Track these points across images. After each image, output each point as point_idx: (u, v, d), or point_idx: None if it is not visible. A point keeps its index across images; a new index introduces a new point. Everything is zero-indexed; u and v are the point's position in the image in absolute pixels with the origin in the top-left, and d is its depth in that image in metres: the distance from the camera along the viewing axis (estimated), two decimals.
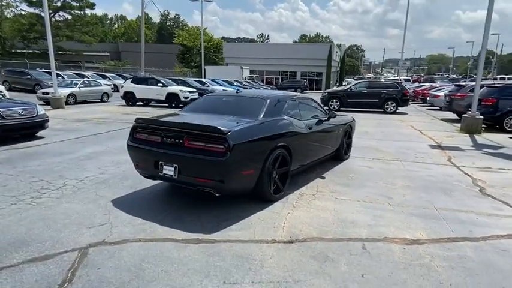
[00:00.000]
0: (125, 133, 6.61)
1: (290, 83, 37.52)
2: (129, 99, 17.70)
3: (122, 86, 18.57)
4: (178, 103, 16.61)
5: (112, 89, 21.23)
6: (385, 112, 16.53)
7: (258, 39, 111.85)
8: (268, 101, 4.73)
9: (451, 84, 20.00)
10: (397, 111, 16.57)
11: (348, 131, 6.75)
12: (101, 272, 2.71)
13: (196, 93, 17.91)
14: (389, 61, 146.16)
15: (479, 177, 5.63)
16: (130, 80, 18.86)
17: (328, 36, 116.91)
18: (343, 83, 45.99)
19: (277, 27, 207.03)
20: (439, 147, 8.32)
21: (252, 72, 40.40)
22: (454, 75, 55.04)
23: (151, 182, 4.87)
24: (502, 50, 60.62)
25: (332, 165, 6.22)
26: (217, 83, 24.24)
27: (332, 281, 2.67)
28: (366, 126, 11.49)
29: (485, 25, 10.27)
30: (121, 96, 17.89)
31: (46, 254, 2.96)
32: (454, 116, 14.38)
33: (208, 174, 3.74)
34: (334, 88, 20.82)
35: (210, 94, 5.71)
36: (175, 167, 3.86)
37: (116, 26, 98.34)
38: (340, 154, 6.51)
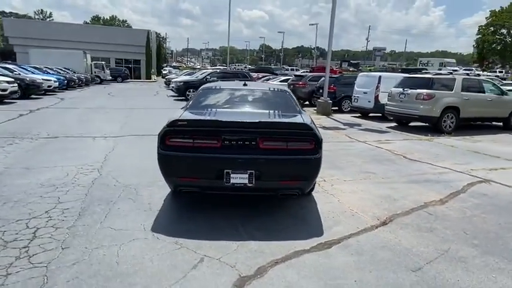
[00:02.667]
0: None
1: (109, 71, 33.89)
2: None
3: None
4: None
5: None
6: None
7: (37, 16, 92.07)
8: (288, 92, 4.79)
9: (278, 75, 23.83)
10: None
11: None
12: None
13: (16, 85, 13.78)
14: (188, 51, 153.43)
15: (388, 148, 7.57)
16: None
17: (126, 21, 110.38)
18: (164, 71, 45.37)
19: (54, 3, 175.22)
20: (325, 127, 10.22)
21: None
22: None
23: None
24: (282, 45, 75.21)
25: None
26: (29, 70, 19.03)
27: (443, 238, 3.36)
28: None
29: (330, 26, 13.06)
30: None
31: None
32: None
33: (296, 175, 3.55)
34: (185, 77, 20.52)
35: (208, 87, 4.87)
36: (250, 173, 3.42)
37: None
38: None
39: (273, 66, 47.28)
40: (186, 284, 2.55)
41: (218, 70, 19.80)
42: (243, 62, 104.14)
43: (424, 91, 9.70)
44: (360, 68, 60.47)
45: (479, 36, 36.58)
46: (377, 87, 12.09)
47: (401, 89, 10.35)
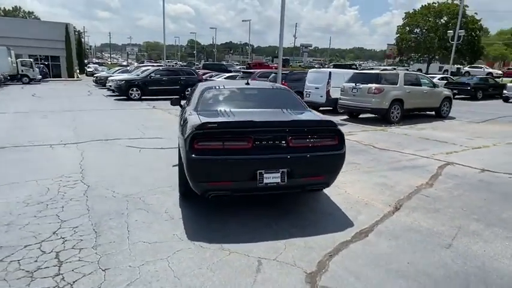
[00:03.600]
0: None
1: None
2: None
3: None
4: None
5: None
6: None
7: None
8: (289, 90, 4.91)
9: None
10: None
11: None
12: None
13: None
14: (106, 45, 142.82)
15: (356, 139, 8.17)
16: None
17: (33, 12, 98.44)
18: (89, 69, 41.74)
19: None
20: None
21: None
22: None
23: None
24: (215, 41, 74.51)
25: None
26: None
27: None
28: None
29: (280, 25, 13.42)
30: None
31: None
32: None
33: (324, 170, 3.71)
34: (126, 75, 19.08)
35: (210, 87, 4.65)
36: (282, 172, 3.48)
37: None
38: None
39: (225, 63, 46.49)
40: None
41: (161, 68, 18.91)
42: (171, 58, 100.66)
43: (375, 85, 10.63)
44: (290, 64, 63.11)
45: (398, 35, 41.35)
46: (328, 82, 12.82)
47: (353, 84, 11.18)
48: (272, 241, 3.23)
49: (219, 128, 3.42)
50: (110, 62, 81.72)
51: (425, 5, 38.69)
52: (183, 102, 5.76)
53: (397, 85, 10.90)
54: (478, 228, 3.58)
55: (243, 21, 51.52)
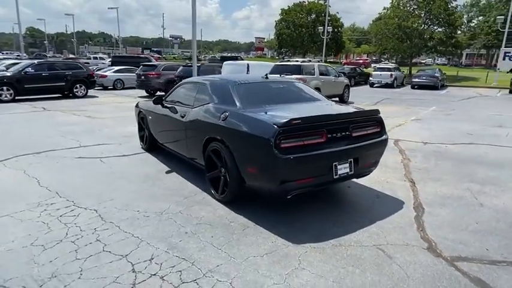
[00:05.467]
0: None
1: None
2: None
3: None
4: None
5: None
6: (74, 96, 15.11)
7: None
8: (303, 83, 5.07)
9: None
10: (87, 94, 15.71)
11: None
12: None
13: None
14: None
15: None
16: None
17: None
18: None
19: None
20: None
21: None
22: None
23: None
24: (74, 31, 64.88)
25: None
26: None
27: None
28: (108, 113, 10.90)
29: (192, 16, 12.91)
30: None
31: None
32: (143, 93, 16.50)
33: (376, 156, 4.04)
34: None
35: (239, 84, 4.21)
36: (350, 161, 3.67)
37: None
38: None
39: (142, 55, 40.23)
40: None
41: (37, 62, 15.45)
42: (4, 49, 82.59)
43: (299, 77, 11.49)
44: (164, 56, 60.77)
45: (278, 30, 44.85)
46: (247, 74, 13.14)
47: (278, 75, 11.79)
48: (360, 230, 3.36)
49: (302, 124, 3.31)
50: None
51: (298, 3, 43.32)
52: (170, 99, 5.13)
53: (315, 75, 12.08)
54: (479, 188, 4.53)
55: (109, 8, 46.28)
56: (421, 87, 22.24)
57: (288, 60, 14.73)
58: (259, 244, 3.06)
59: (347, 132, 3.63)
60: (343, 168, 3.58)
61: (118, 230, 3.29)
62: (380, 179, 4.85)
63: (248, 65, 13.42)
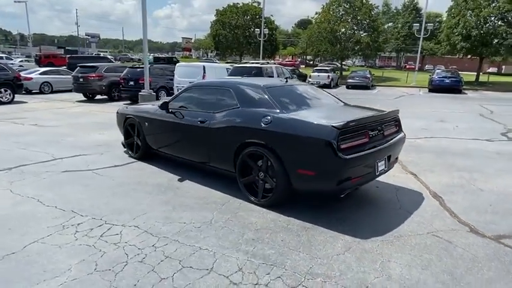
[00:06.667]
0: None
1: None
2: None
3: None
4: None
5: None
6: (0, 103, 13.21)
7: None
8: (315, 85, 5.23)
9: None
10: (14, 100, 13.81)
11: None
12: None
13: None
14: None
15: None
16: None
17: None
18: None
19: None
20: None
21: None
22: None
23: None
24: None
25: None
26: None
27: None
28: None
29: (142, 13, 12.28)
30: None
31: None
32: (81, 97, 15.18)
33: (399, 152, 4.46)
34: None
35: (269, 87, 4.21)
36: (385, 158, 4.02)
37: None
38: None
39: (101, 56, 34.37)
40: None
41: None
42: None
43: (262, 78, 11.72)
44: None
45: (214, 31, 44.30)
46: (203, 76, 12.94)
47: (240, 77, 11.86)
48: (406, 221, 3.69)
49: (355, 125, 3.52)
50: None
51: (232, 4, 43.48)
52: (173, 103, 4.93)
53: (274, 76, 12.44)
54: (469, 176, 5.25)
55: (15, 1, 40.92)
56: (355, 87, 24.27)
57: (246, 62, 14.88)
58: (332, 243, 3.19)
59: (381, 132, 3.95)
60: (381, 165, 3.89)
61: (179, 244, 3.11)
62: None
63: (204, 67, 13.24)
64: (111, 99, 15.02)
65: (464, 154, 6.53)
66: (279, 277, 2.65)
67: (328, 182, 3.48)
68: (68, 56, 32.16)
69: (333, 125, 3.38)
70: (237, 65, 13.21)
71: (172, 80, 14.51)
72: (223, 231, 3.38)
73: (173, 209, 3.86)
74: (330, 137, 3.32)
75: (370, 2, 30.97)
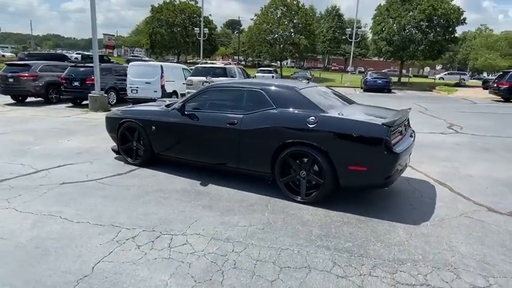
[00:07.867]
0: None
1: None
2: None
3: None
4: None
5: None
6: None
7: None
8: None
9: None
10: None
11: None
12: None
13: None
14: None
15: None
16: None
17: None
18: None
19: None
20: None
21: None
22: None
23: None
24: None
25: None
26: None
27: None
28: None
29: (91, 8, 11.36)
30: None
31: None
32: (9, 100, 13.53)
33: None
34: None
35: (303, 88, 4.32)
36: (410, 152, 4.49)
37: None
38: None
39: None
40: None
41: None
42: None
43: (225, 79, 11.71)
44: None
45: (151, 29, 41.93)
46: (162, 76, 12.46)
47: (204, 78, 11.71)
48: (435, 206, 4.17)
49: (397, 123, 3.90)
50: None
51: (169, 2, 41.77)
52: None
53: (236, 77, 12.53)
54: (454, 165, 6.03)
55: None
56: None
57: (205, 62, 14.60)
58: (394, 231, 3.48)
59: (405, 129, 4.40)
60: (407, 160, 4.34)
61: (258, 246, 3.12)
62: None
63: (162, 66, 12.74)
64: (48, 101, 13.54)
65: (436, 146, 7.43)
66: (375, 266, 2.85)
67: (379, 176, 3.78)
68: (27, 53, 27.31)
69: (384, 123, 3.69)
70: (199, 65, 12.97)
71: (121, 80, 13.69)
72: (289, 230, 3.46)
73: (222, 214, 3.80)
74: (383, 134, 3.62)
75: (306, 7, 32.83)
